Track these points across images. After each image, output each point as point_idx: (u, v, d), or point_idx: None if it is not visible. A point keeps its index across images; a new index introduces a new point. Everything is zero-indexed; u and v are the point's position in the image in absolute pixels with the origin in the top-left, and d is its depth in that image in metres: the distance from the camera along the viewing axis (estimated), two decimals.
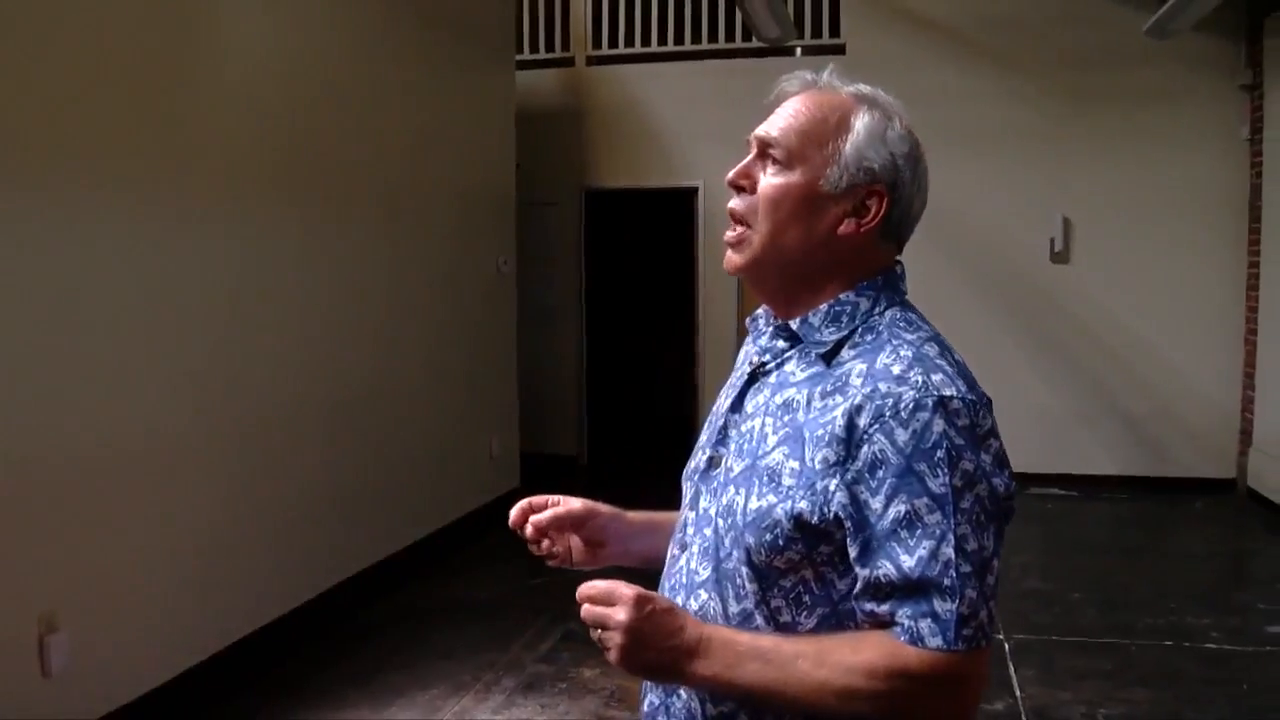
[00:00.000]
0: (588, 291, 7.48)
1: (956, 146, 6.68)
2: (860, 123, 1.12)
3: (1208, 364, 6.61)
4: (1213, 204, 6.53)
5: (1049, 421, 6.76)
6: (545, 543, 1.30)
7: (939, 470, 0.99)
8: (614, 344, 8.02)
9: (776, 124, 1.14)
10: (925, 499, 0.99)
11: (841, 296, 1.13)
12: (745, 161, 1.17)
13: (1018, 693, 3.60)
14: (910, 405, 1.01)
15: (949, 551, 0.98)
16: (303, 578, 4.10)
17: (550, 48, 7.43)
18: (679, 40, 7.27)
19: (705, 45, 7.24)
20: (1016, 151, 6.73)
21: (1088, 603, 4.57)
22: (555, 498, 1.30)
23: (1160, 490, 6.60)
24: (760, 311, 1.23)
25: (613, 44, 7.36)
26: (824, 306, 1.13)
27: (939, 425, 1.00)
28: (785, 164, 1.13)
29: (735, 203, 1.16)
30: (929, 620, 0.98)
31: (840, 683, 1.00)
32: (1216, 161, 6.49)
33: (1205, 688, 3.65)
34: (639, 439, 7.71)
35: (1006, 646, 4.02)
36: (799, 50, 7.08)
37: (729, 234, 1.17)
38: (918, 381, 1.02)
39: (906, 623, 0.99)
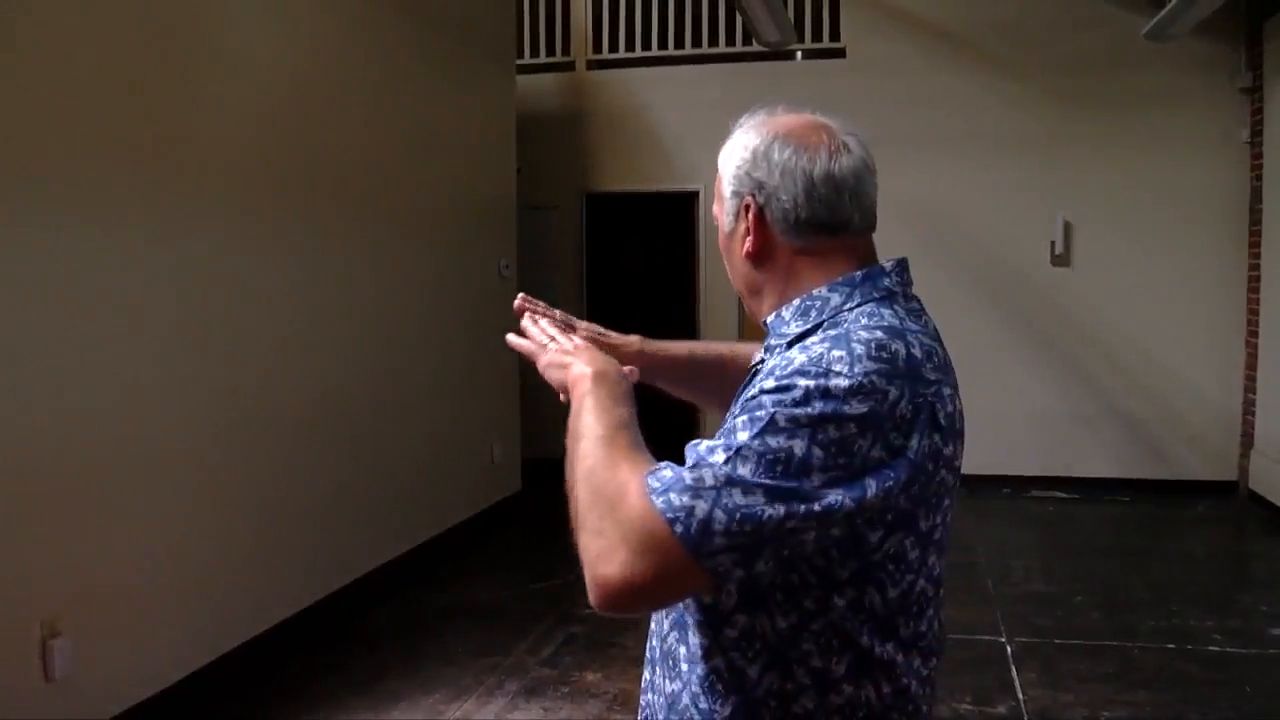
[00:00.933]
0: (588, 295, 7.49)
1: (956, 149, 6.70)
2: (721, 161, 1.19)
3: (1209, 366, 6.61)
4: (1213, 206, 6.54)
5: (1050, 424, 6.76)
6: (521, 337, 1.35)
7: (778, 408, 0.98)
8: None
9: None
10: (745, 417, 0.99)
11: (814, 291, 1.13)
12: None
13: (1020, 695, 3.60)
14: (794, 368, 1.01)
15: (725, 453, 0.97)
16: (305, 582, 4.10)
17: (550, 51, 7.44)
18: (679, 44, 7.28)
19: (706, 49, 7.25)
20: (1016, 155, 6.73)
21: (1090, 605, 4.57)
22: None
23: (1162, 493, 6.59)
24: None
25: (613, 48, 7.37)
26: (796, 301, 1.14)
27: (806, 383, 0.98)
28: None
29: None
30: (668, 471, 0.99)
31: (597, 477, 1.02)
32: (1217, 164, 6.50)
33: (1208, 690, 3.65)
34: None
35: (1009, 649, 4.02)
36: (799, 54, 7.10)
37: None
38: (817, 354, 1.01)
39: (661, 465, 1.01)
